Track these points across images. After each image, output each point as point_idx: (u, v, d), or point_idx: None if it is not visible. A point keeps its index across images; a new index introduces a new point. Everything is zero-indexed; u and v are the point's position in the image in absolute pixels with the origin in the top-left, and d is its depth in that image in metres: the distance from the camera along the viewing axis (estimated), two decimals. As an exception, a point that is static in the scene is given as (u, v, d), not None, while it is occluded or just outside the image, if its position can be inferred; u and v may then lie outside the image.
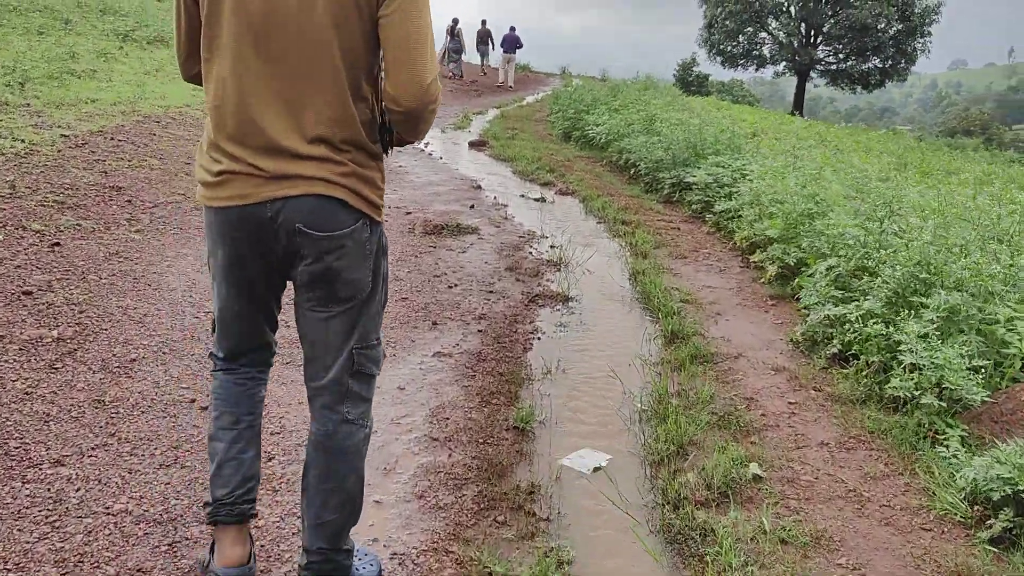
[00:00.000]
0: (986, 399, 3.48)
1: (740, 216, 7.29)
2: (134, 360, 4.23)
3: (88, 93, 11.58)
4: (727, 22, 43.41)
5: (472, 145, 13.71)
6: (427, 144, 13.72)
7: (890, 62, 42.05)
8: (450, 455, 3.58)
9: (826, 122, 35.33)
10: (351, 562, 2.49)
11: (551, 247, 7.35)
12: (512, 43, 26.79)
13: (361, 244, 2.15)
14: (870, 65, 42.88)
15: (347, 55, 2.02)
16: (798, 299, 5.67)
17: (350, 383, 2.30)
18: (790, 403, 4.18)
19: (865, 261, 4.79)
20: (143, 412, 3.74)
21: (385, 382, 4.30)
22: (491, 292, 5.94)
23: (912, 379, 3.61)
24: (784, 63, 44.59)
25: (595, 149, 12.84)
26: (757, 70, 46.85)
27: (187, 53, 2.21)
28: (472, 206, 8.86)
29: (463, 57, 27.12)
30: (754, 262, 6.55)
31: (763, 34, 45.05)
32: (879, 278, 4.28)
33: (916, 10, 40.48)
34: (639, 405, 4.18)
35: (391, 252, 6.75)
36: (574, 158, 12.48)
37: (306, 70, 2.01)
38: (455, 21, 26.38)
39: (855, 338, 4.21)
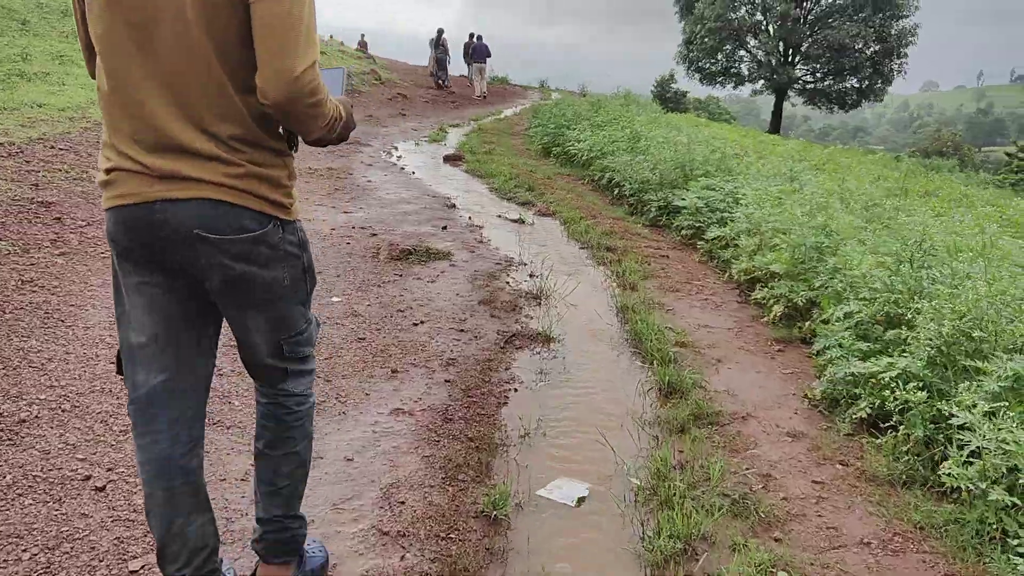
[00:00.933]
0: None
1: (737, 245, 6.61)
2: (22, 421, 3.44)
3: (36, 97, 10.74)
4: (706, 39, 43.10)
5: (447, 159, 12.99)
6: (399, 157, 12.99)
7: (867, 82, 41.93)
8: (403, 556, 2.84)
9: (805, 140, 35.01)
10: (305, 531, 2.53)
11: (530, 276, 6.63)
12: (481, 52, 26.68)
13: (274, 247, 2.09)
14: (847, 85, 42.76)
15: (220, 44, 1.90)
16: (808, 343, 4.99)
17: (286, 366, 2.31)
18: (815, 482, 3.48)
19: (894, 308, 4.11)
20: (20, 495, 2.96)
21: (330, 450, 3.55)
22: (462, 331, 5.20)
23: (975, 466, 2.91)
24: (762, 81, 44.36)
25: (576, 167, 12.16)
26: (735, 87, 46.62)
27: (84, 48, 2.09)
28: (445, 227, 8.12)
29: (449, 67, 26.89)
30: (755, 299, 5.87)
31: (742, 52, 44.82)
32: (920, 333, 3.59)
33: (893, 31, 40.42)
34: (636, 481, 3.46)
35: (353, 278, 5.99)
36: (554, 176, 11.78)
37: (184, 62, 1.90)
38: (440, 32, 26.47)
39: (891, 405, 3.52)
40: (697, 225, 7.82)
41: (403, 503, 3.18)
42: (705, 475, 3.45)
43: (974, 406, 3.11)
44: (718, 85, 46.49)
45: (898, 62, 41.29)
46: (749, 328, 5.55)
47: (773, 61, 43.09)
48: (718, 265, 7.11)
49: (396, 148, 13.99)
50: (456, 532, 3.03)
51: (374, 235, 7.49)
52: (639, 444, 3.83)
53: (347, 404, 4.03)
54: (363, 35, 30.83)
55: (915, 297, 3.99)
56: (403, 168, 11.82)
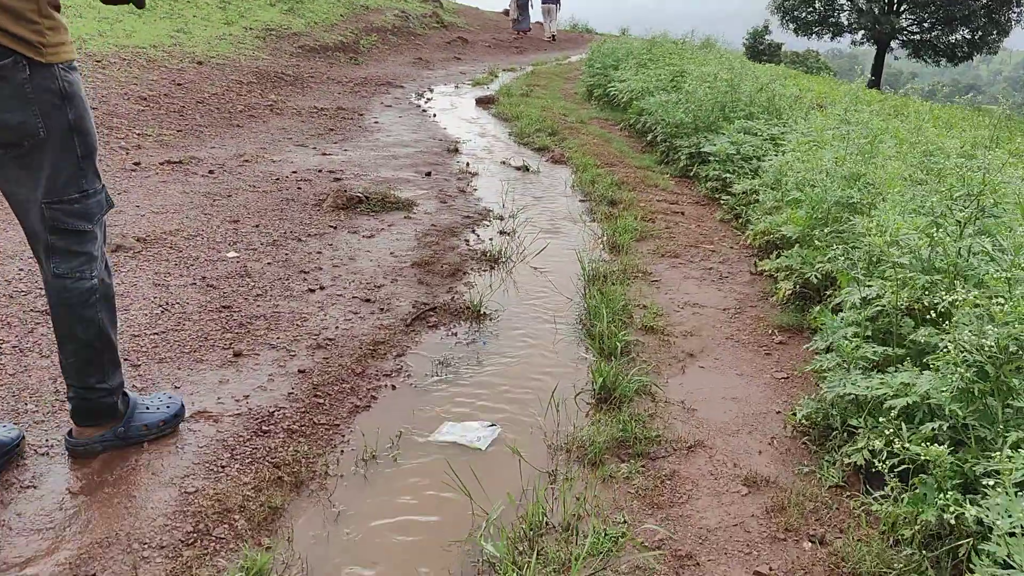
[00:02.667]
0: None
1: (759, 201, 5.17)
2: None
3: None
4: (803, -15, 39.91)
5: (479, 102, 11.67)
6: (428, 100, 11.76)
7: (980, 33, 38.02)
8: None
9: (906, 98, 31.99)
10: (113, 400, 2.51)
11: (500, 233, 5.36)
12: None
13: (18, 85, 2.04)
14: (957, 36, 38.93)
15: None
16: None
17: (50, 239, 2.26)
18: None
19: (929, 294, 2.69)
20: None
21: (58, 476, 2.43)
22: (367, 301, 4.00)
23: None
24: (862, 31, 40.91)
25: (616, 110, 10.66)
26: (833, 38, 43.16)
27: None
28: (429, 173, 6.89)
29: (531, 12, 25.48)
30: (763, 271, 4.46)
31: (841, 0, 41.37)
32: (952, 340, 2.20)
33: (1012, -24, 36.45)
34: (482, 558, 2.23)
35: (274, 230, 4.84)
36: (589, 120, 10.33)
37: None
38: None
39: (899, 452, 2.15)
40: (725, 176, 6.35)
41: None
42: (585, 550, 2.18)
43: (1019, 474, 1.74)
44: (814, 36, 43.11)
45: (1017, 10, 37.27)
46: (751, 310, 4.16)
47: (875, 9, 39.54)
48: (740, 226, 5.67)
49: (431, 90, 12.74)
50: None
51: (337, 180, 6.33)
52: (525, 486, 2.57)
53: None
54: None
55: (955, 281, 2.57)
56: (424, 111, 10.59)
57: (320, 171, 6.59)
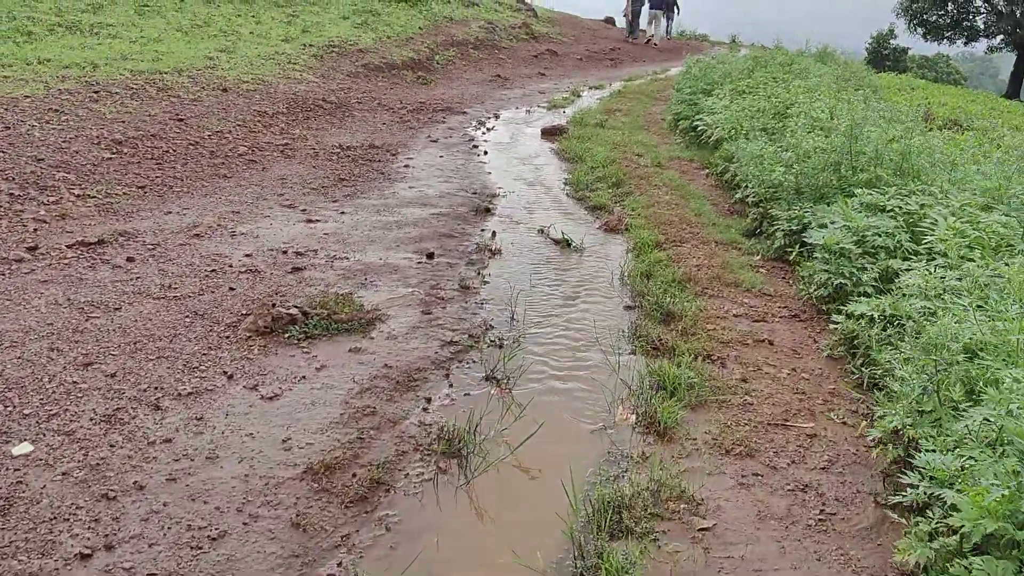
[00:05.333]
0: None
1: (892, 374, 3.10)
2: None
3: (53, 51, 8.68)
4: (935, -13, 35.88)
5: (545, 133, 9.76)
6: (489, 129, 9.94)
7: None
8: None
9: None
10: None
11: (486, 379, 3.49)
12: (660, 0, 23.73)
13: None
14: (1113, 40, 34.14)
15: None
16: None
17: None
18: None
19: None
20: None
21: None
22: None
23: None
24: (1001, 36, 36.51)
25: (703, 148, 8.53)
26: (967, 43, 38.84)
27: None
28: (432, 255, 5.06)
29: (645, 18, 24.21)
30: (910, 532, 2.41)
31: (978, 1, 37.02)
32: None
33: None
34: None
35: (135, 380, 3.07)
36: (668, 162, 8.25)
37: None
38: None
39: None
40: (839, 283, 4.24)
41: None
42: None
43: None
44: (946, 41, 38.87)
45: None
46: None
47: (1017, 12, 35.14)
48: (860, 367, 3.58)
49: (496, 116, 10.91)
50: None
51: (296, 271, 4.58)
52: None
53: None
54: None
55: None
56: (475, 146, 8.76)
57: (285, 252, 4.87)
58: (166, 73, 8.77)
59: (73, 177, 5.67)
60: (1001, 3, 35.68)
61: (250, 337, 3.68)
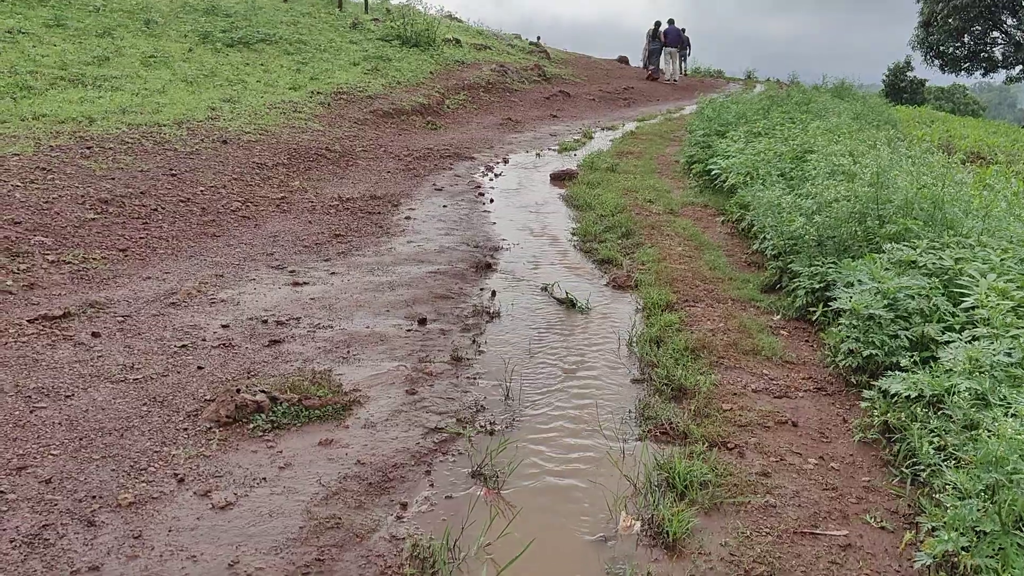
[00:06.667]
0: None
1: (941, 485, 2.64)
2: None
3: (51, 106, 8.46)
4: (950, 19, 35.44)
5: (554, 178, 9.40)
6: (497, 175, 9.60)
7: None
8: None
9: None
10: None
11: (472, 476, 3.06)
12: (675, 37, 24.55)
13: None
14: None
15: None
16: None
17: None
18: None
19: None
20: None
21: None
22: None
23: None
24: (1020, 67, 36.00)
25: (718, 194, 8.11)
26: (985, 75, 38.36)
27: None
28: (424, 320, 4.66)
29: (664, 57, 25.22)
30: None
31: (995, 33, 36.57)
32: None
33: None
34: None
35: (75, 484, 2.68)
36: (681, 208, 7.84)
37: None
38: (656, 24, 24.82)
39: None
40: (870, 353, 3.78)
41: None
42: None
43: None
44: (963, 72, 38.42)
45: None
46: None
47: (1035, 42, 34.68)
48: (902, 466, 3.11)
49: (505, 161, 10.59)
50: None
51: (274, 343, 4.20)
52: None
53: None
54: (539, 37, 27.75)
55: None
56: (482, 193, 8.41)
57: (265, 322, 4.48)
58: (164, 125, 8.53)
59: (50, 241, 5.35)
60: (1019, 34, 35.21)
61: (210, 428, 3.28)
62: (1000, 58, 36.71)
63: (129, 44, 12.36)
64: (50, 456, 3.01)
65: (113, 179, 6.69)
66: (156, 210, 6.35)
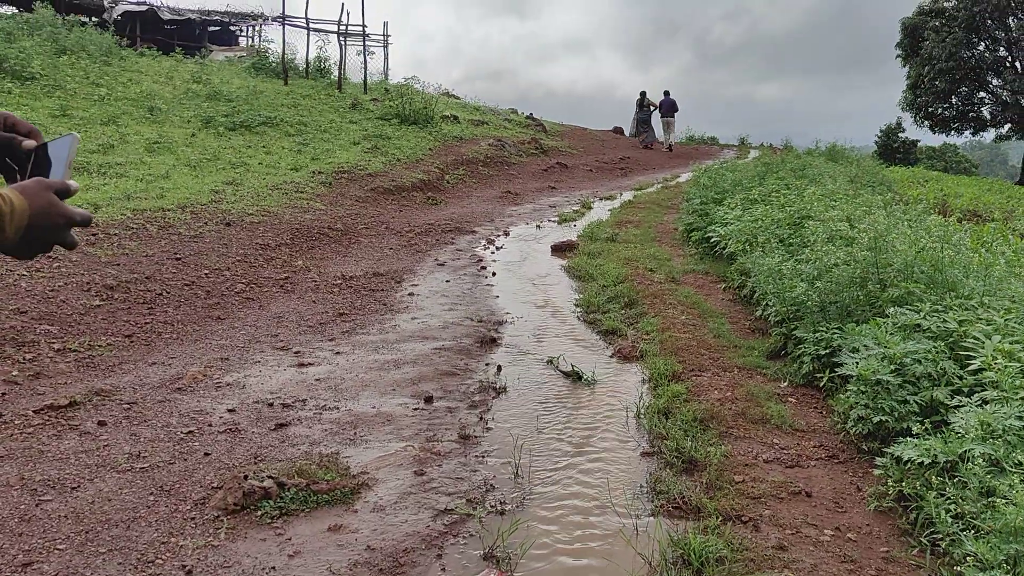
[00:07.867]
0: None
1: (972, 534, 2.61)
2: None
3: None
4: (936, 82, 36.27)
5: (555, 250, 9.51)
6: (499, 248, 9.70)
7: None
8: None
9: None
10: None
11: (484, 559, 3.01)
12: (670, 107, 25.33)
13: None
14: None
15: None
16: None
17: None
18: None
19: None
20: None
21: None
22: None
23: None
24: (1009, 125, 36.65)
25: (718, 261, 8.19)
26: (975, 134, 39.04)
27: None
28: (430, 398, 4.66)
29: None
30: None
31: (981, 93, 37.37)
32: None
33: None
34: None
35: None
36: (683, 276, 7.90)
37: None
38: (642, 94, 25.98)
39: None
40: (879, 419, 3.77)
41: None
42: None
43: None
44: (953, 132, 39.10)
45: None
46: None
47: (1022, 101, 35.40)
48: (920, 534, 3.06)
49: (506, 233, 10.71)
50: None
51: (280, 427, 4.19)
52: None
53: None
54: (531, 113, 28.36)
55: None
56: (484, 267, 8.49)
57: (271, 405, 4.48)
58: (169, 210, 8.66)
59: (56, 329, 5.39)
60: (1005, 94, 35.97)
61: (218, 517, 3.25)
62: (988, 117, 37.42)
63: (133, 131, 12.64)
64: (56, 551, 2.98)
65: (118, 265, 6.77)
66: (161, 295, 6.41)
